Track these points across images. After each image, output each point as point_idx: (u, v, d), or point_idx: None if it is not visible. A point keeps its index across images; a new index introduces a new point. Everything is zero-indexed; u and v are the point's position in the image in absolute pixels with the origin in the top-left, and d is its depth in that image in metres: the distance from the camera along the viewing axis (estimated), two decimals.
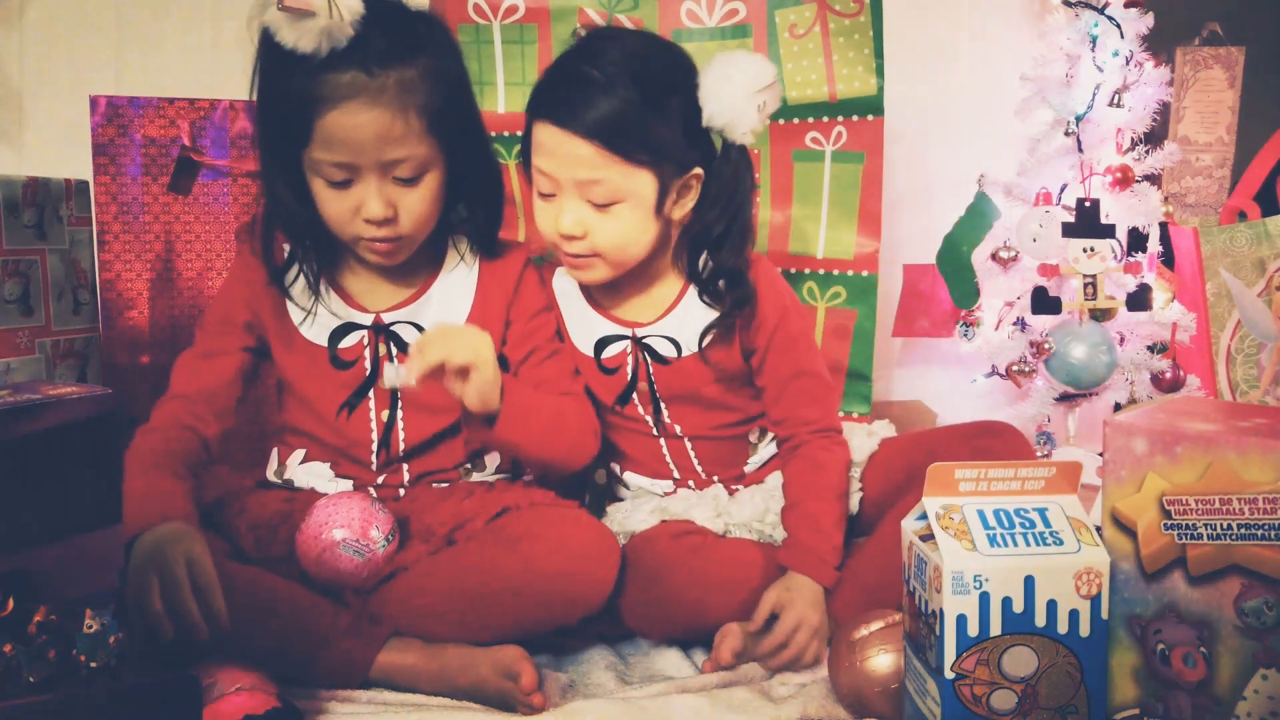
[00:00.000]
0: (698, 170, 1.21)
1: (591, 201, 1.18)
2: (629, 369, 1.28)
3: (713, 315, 1.25)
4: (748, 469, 1.33)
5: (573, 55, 1.21)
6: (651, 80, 1.16)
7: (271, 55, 1.09)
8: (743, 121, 1.18)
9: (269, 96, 1.13)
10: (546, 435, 1.18)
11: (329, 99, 1.08)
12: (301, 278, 1.21)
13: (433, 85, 1.12)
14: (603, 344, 1.28)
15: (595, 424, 1.25)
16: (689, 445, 1.31)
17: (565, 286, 1.32)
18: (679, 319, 1.27)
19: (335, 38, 1.06)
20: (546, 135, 1.17)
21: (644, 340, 1.27)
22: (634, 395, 1.29)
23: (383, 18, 1.10)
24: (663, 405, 1.29)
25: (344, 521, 1.10)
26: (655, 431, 1.30)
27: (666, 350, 1.27)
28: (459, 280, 1.25)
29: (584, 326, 1.30)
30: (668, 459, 1.31)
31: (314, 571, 1.11)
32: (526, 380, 1.24)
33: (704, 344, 1.25)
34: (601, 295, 1.30)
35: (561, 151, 1.16)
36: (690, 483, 1.33)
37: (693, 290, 1.27)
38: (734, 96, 1.17)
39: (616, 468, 1.35)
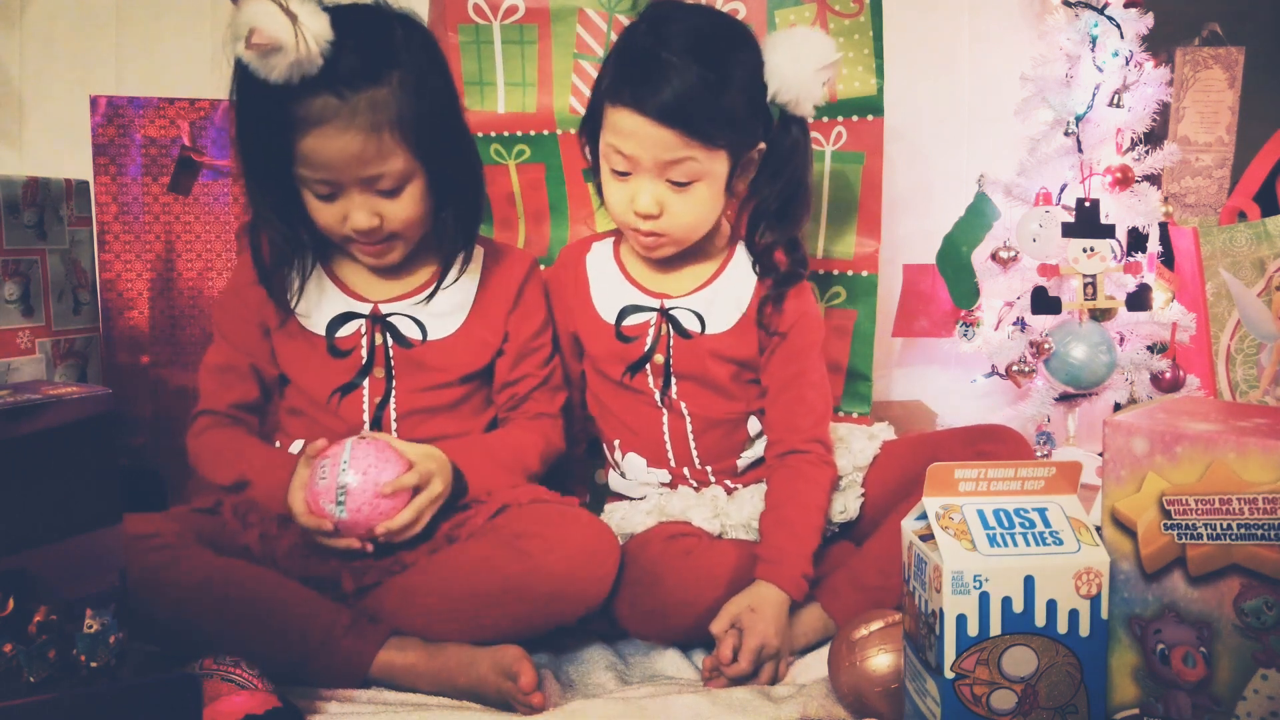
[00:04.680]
0: (762, 145, 1.25)
1: (671, 181, 1.21)
2: (649, 339, 1.30)
3: (746, 292, 1.29)
4: (740, 463, 1.34)
5: (643, 36, 1.21)
6: (720, 59, 1.18)
7: (246, 84, 1.11)
8: (809, 97, 1.22)
9: (248, 122, 1.15)
10: (507, 477, 1.22)
11: (304, 123, 1.11)
12: (290, 274, 1.23)
13: (406, 98, 1.13)
14: (625, 313, 1.31)
15: (559, 442, 1.30)
16: (689, 425, 1.31)
17: (599, 255, 1.35)
18: (709, 296, 1.30)
19: (305, 68, 1.08)
20: (627, 121, 1.19)
21: (671, 312, 1.30)
22: (646, 366, 1.30)
23: (352, 35, 1.10)
24: (673, 381, 1.30)
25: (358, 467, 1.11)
26: (660, 404, 1.31)
27: (690, 324, 1.29)
28: (460, 282, 1.26)
29: (611, 294, 1.32)
30: (666, 439, 1.32)
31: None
32: (506, 394, 1.29)
33: (761, 313, 1.28)
34: (638, 265, 1.33)
35: (642, 136, 1.18)
36: (685, 470, 1.33)
37: (729, 269, 1.31)
38: (801, 73, 1.20)
39: (618, 444, 1.35)
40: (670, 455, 1.33)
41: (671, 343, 1.29)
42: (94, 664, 0.82)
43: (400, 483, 1.10)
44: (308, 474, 1.12)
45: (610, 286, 1.33)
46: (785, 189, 1.27)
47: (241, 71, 1.11)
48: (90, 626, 0.82)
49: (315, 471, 1.11)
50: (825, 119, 1.53)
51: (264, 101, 1.10)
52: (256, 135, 1.15)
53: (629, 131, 1.19)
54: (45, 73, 1.87)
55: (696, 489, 1.33)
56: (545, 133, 1.54)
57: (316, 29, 1.08)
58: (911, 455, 1.29)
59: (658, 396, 1.31)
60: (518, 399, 1.29)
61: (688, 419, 1.31)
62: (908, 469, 1.26)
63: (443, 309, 1.25)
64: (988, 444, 1.23)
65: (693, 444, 1.32)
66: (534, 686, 1.02)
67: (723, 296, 1.30)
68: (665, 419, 1.32)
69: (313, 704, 1.03)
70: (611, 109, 1.21)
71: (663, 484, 1.34)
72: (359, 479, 1.09)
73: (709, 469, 1.33)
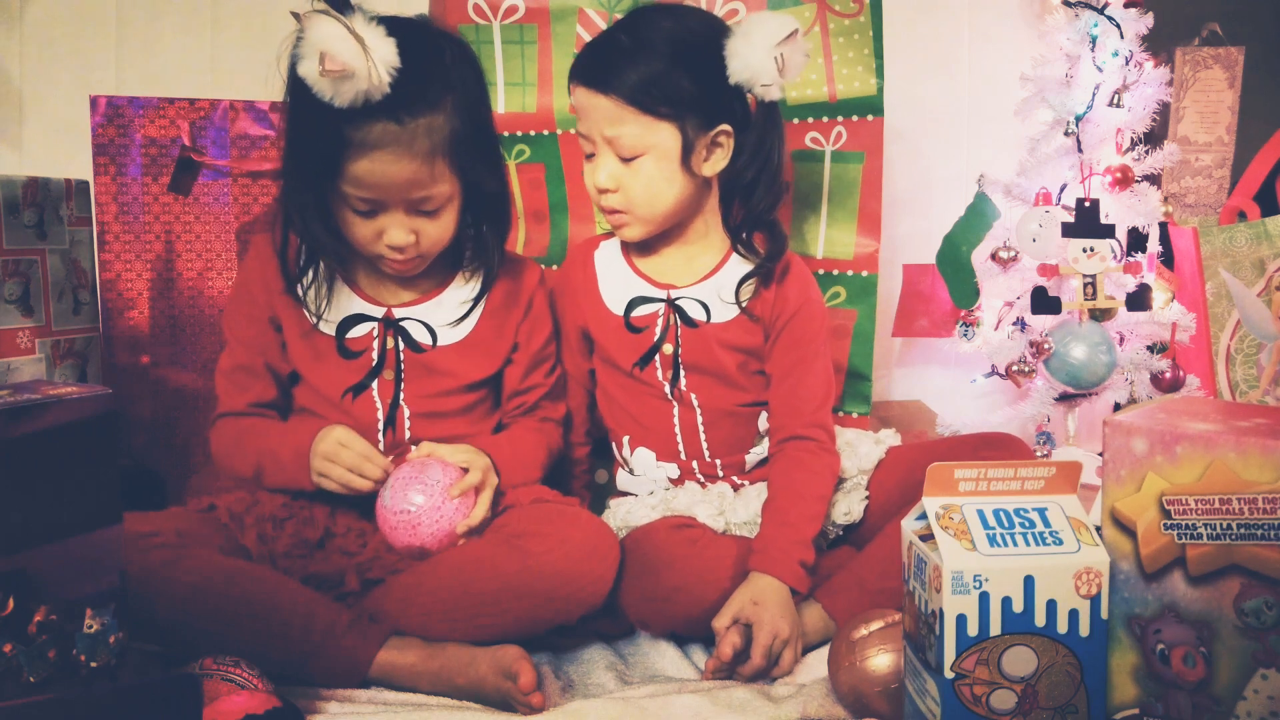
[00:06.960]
0: (725, 126, 1.26)
1: (619, 156, 1.24)
2: (657, 330, 1.32)
3: (750, 281, 1.31)
4: (749, 457, 1.34)
5: (613, 26, 1.29)
6: (678, 42, 1.23)
7: (302, 99, 1.10)
8: (761, 75, 1.23)
9: (299, 132, 1.15)
10: (529, 474, 1.27)
11: (359, 146, 1.11)
12: (316, 279, 1.24)
13: (457, 121, 1.15)
14: (634, 304, 1.33)
15: (561, 445, 1.34)
16: (700, 417, 1.32)
17: (607, 251, 1.37)
18: (716, 285, 1.32)
19: (371, 95, 1.08)
20: (578, 97, 1.25)
21: (677, 302, 1.31)
22: (655, 358, 1.32)
23: (414, 61, 1.11)
24: (682, 372, 1.31)
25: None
26: (670, 396, 1.32)
27: (696, 313, 1.31)
28: (472, 288, 1.28)
29: (619, 287, 1.34)
30: (677, 431, 1.33)
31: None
32: (515, 403, 1.32)
33: (741, 297, 1.30)
34: (642, 257, 1.35)
35: (588, 109, 1.24)
36: (694, 464, 1.34)
37: (733, 259, 1.33)
38: (752, 52, 1.22)
39: (627, 440, 1.36)
40: (681, 448, 1.33)
41: (680, 333, 1.31)
42: (94, 664, 0.82)
43: (466, 483, 1.14)
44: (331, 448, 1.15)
45: (618, 279, 1.35)
46: (754, 166, 1.28)
47: (297, 87, 1.09)
48: (90, 626, 0.82)
49: (383, 504, 1.14)
50: (825, 119, 1.53)
51: (320, 121, 1.09)
52: (308, 152, 1.14)
53: (581, 107, 1.25)
54: (45, 73, 1.87)
55: (703, 484, 1.34)
56: (545, 133, 1.54)
57: (385, 55, 1.07)
58: (916, 461, 1.30)
59: (668, 389, 1.32)
60: (526, 407, 1.31)
61: (698, 411, 1.32)
62: (912, 474, 1.27)
63: (454, 313, 1.27)
64: (991, 451, 1.25)
65: (703, 436, 1.33)
66: (534, 686, 1.02)
67: (727, 286, 1.31)
68: (676, 411, 1.33)
69: (313, 704, 1.03)
70: (571, 90, 1.26)
71: (670, 479, 1.34)
72: (423, 498, 1.13)
73: (718, 462, 1.34)
